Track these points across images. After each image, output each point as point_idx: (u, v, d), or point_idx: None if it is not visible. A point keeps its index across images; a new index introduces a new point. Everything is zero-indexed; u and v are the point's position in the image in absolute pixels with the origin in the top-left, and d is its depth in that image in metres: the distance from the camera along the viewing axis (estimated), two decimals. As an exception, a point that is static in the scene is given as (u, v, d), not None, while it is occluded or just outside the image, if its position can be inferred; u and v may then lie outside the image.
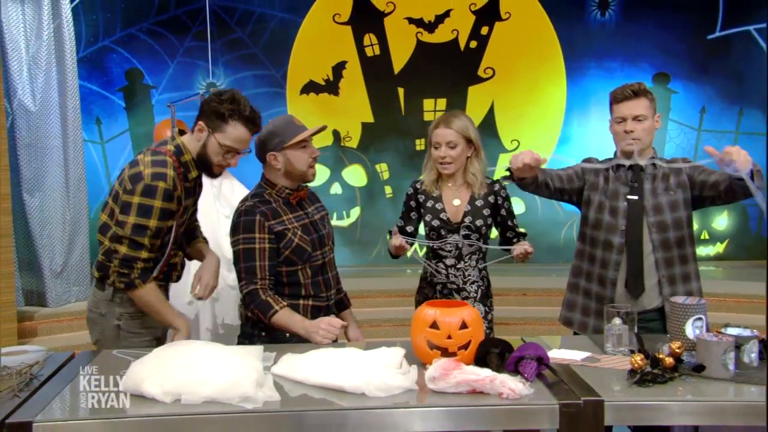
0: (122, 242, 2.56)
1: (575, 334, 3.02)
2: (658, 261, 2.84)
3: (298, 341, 2.66)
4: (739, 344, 2.17)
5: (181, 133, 2.77)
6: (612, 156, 3.02)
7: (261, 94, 6.64)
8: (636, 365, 2.11)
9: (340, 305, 3.10)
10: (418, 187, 3.21)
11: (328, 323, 2.65)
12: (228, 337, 3.82)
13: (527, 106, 6.84)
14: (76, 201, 5.33)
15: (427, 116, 6.75)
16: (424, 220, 3.17)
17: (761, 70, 6.76)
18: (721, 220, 6.83)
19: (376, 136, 6.79)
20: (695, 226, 6.62)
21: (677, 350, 2.19)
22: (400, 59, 6.78)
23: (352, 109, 6.78)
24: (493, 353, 2.17)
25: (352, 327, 3.08)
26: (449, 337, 2.18)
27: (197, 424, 1.89)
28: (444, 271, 3.13)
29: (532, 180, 2.80)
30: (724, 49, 6.78)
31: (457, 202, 3.14)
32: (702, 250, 6.87)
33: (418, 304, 3.21)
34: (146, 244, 2.56)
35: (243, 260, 2.71)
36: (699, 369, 2.13)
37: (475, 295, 3.14)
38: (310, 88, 6.77)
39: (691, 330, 2.35)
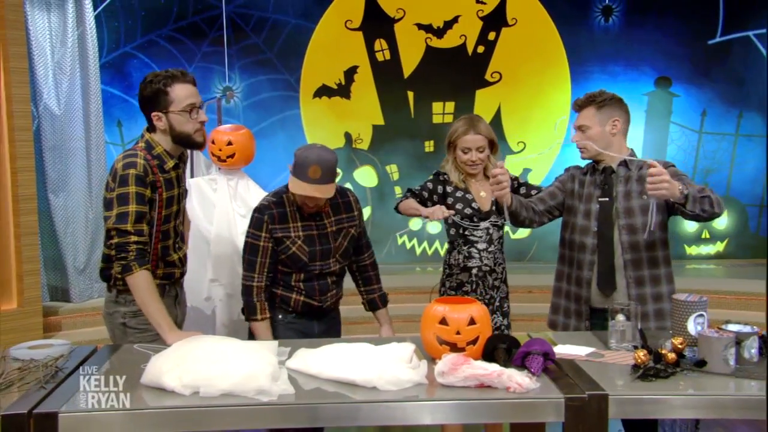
0: (112, 235, 2.58)
1: None
2: (626, 262, 2.81)
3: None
4: (739, 340, 2.16)
5: (149, 130, 2.75)
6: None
7: (275, 97, 6.65)
8: (639, 360, 2.10)
9: (373, 305, 3.14)
10: (446, 179, 3.28)
11: None
12: (243, 332, 3.82)
13: (533, 109, 6.82)
14: (99, 201, 5.34)
15: (436, 119, 6.75)
16: (454, 208, 3.22)
17: (760, 75, 6.73)
18: (721, 220, 6.78)
19: (387, 138, 6.79)
20: (696, 227, 6.68)
21: (679, 346, 2.18)
22: (409, 64, 6.77)
23: (364, 112, 6.78)
24: (500, 349, 2.17)
25: (385, 327, 3.12)
26: (458, 333, 2.18)
27: (215, 415, 1.90)
28: (477, 255, 3.24)
29: (518, 211, 2.84)
30: (724, 54, 6.75)
31: (483, 194, 3.27)
32: (702, 249, 6.84)
33: (449, 290, 3.29)
34: (131, 230, 2.55)
35: (248, 252, 2.85)
36: (700, 364, 2.12)
37: (501, 276, 3.32)
38: (323, 91, 6.77)
39: (692, 326, 2.34)
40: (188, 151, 3.17)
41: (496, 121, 6.75)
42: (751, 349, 2.18)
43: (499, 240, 3.31)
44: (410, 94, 6.80)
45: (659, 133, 6.86)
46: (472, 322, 2.19)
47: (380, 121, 6.81)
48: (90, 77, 5.34)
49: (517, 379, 1.96)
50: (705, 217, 2.63)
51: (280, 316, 2.92)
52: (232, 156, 4.02)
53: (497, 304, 3.29)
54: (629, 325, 2.37)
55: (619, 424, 3.09)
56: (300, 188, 2.76)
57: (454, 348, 2.17)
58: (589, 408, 1.91)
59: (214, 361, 2.02)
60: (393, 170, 6.86)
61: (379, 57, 6.76)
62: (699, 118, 6.84)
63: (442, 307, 2.23)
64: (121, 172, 2.58)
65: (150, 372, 2.04)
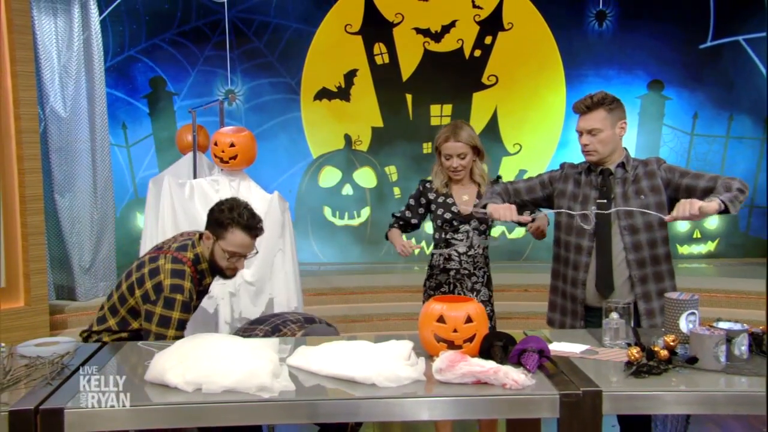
0: (142, 335, 2.68)
1: None
2: (630, 262, 2.75)
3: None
4: (730, 338, 2.16)
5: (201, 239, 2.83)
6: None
7: (276, 100, 6.66)
8: (632, 357, 2.10)
9: None
10: (428, 186, 3.29)
11: None
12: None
13: (529, 112, 6.82)
14: (104, 201, 5.35)
15: (434, 121, 6.75)
16: (435, 214, 3.23)
17: (750, 78, 6.74)
18: (713, 220, 6.78)
19: (386, 140, 6.79)
20: (687, 226, 6.68)
21: (671, 343, 2.18)
22: (408, 67, 6.77)
23: (363, 115, 6.78)
24: (496, 346, 2.17)
25: None
26: (455, 331, 2.18)
27: (217, 411, 1.89)
28: (457, 259, 3.19)
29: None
30: (715, 58, 6.75)
31: (465, 197, 3.23)
32: (694, 249, 6.84)
33: (429, 290, 3.29)
34: (172, 336, 2.64)
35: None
36: (692, 361, 2.12)
37: (482, 279, 3.25)
38: (323, 94, 6.77)
39: (684, 324, 2.33)
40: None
41: (493, 123, 6.76)
42: (741, 346, 2.18)
43: (481, 245, 3.24)
44: (409, 97, 6.80)
45: (652, 135, 6.86)
46: (469, 320, 2.19)
47: (379, 124, 6.81)
48: (95, 80, 5.34)
49: (513, 375, 1.95)
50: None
51: None
52: (234, 157, 4.02)
53: None
54: (623, 323, 2.37)
55: (614, 420, 3.09)
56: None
57: (452, 345, 2.17)
58: (584, 404, 1.91)
59: (216, 359, 2.02)
60: (392, 171, 6.86)
61: (378, 60, 6.76)
62: (691, 121, 6.84)
63: (439, 306, 2.22)
64: (167, 293, 2.63)
65: (153, 369, 2.03)
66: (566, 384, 1.98)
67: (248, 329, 2.87)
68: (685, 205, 2.44)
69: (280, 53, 6.68)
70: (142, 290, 2.65)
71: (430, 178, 3.32)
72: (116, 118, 6.29)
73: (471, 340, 2.19)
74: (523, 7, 6.73)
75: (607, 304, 2.42)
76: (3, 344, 2.26)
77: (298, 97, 6.72)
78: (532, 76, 6.77)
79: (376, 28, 6.70)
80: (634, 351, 2.11)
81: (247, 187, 4.12)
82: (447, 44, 6.75)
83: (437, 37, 6.74)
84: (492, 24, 6.73)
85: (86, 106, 5.28)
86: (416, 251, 3.19)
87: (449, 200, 3.23)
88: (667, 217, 2.56)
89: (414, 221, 3.33)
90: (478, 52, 6.77)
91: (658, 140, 6.81)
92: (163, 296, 2.62)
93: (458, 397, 1.94)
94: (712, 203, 2.45)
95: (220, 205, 2.76)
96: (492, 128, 6.74)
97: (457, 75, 6.75)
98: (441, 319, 2.19)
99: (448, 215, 3.20)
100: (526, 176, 6.67)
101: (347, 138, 6.81)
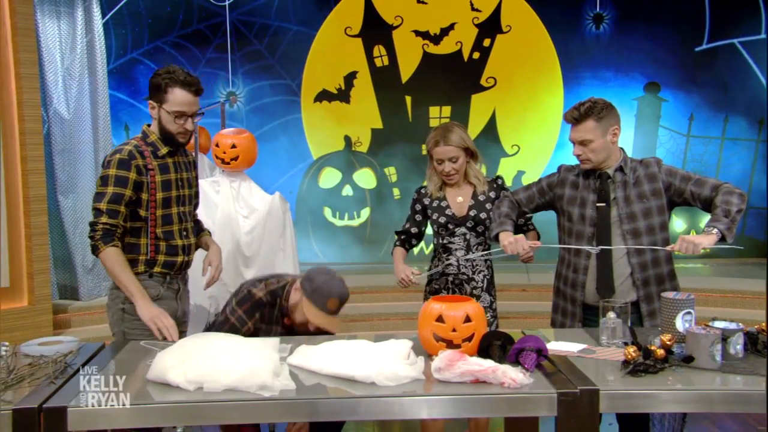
0: (92, 214, 2.66)
1: None
2: (633, 265, 2.75)
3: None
4: (725, 337, 2.16)
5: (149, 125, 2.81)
6: None
7: (277, 102, 6.66)
8: (629, 356, 2.09)
9: None
10: (423, 192, 3.20)
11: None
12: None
13: (527, 114, 6.83)
14: (107, 202, 5.35)
15: (433, 122, 6.75)
16: (431, 219, 3.15)
17: (745, 80, 6.74)
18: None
19: (385, 141, 6.79)
20: (684, 227, 6.68)
21: (668, 342, 2.18)
22: (407, 69, 6.78)
23: (363, 116, 6.78)
24: (495, 345, 2.17)
25: None
26: (454, 330, 2.18)
27: (218, 410, 1.89)
28: (456, 263, 3.09)
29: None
30: (710, 61, 6.76)
31: (460, 199, 3.12)
32: (690, 249, 6.82)
33: (428, 295, 3.18)
34: (103, 209, 2.60)
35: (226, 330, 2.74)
36: (688, 360, 2.12)
37: (482, 284, 3.11)
38: (323, 96, 6.78)
39: (680, 323, 2.33)
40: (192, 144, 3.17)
41: (491, 125, 6.76)
42: (737, 345, 2.18)
43: (479, 247, 3.12)
44: (408, 99, 6.81)
45: (648, 136, 6.87)
46: (467, 319, 2.19)
47: (379, 125, 6.81)
48: (98, 82, 5.34)
49: (511, 374, 1.95)
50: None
51: None
52: (235, 159, 4.02)
53: None
54: (620, 322, 2.37)
55: (611, 418, 3.09)
56: (316, 317, 2.68)
57: (451, 345, 2.17)
58: (581, 402, 1.91)
59: (217, 358, 2.02)
60: (391, 172, 6.86)
61: (378, 63, 6.76)
62: (687, 122, 6.85)
63: (438, 305, 2.22)
64: (108, 157, 2.67)
65: (155, 368, 2.03)
66: (564, 383, 1.98)
67: (247, 289, 2.82)
68: (688, 247, 2.50)
69: (281, 55, 6.68)
70: None
71: (425, 183, 3.22)
72: (119, 119, 6.29)
73: (470, 339, 2.19)
74: (521, 9, 6.74)
75: (604, 304, 2.42)
76: (7, 343, 2.26)
77: (298, 98, 6.73)
78: (530, 78, 6.78)
79: (375, 30, 6.71)
80: (631, 350, 2.10)
81: (247, 188, 4.12)
82: (446, 46, 6.76)
83: (436, 39, 6.75)
84: (490, 26, 6.74)
85: (89, 108, 5.28)
86: (416, 278, 3.05)
87: (443, 203, 3.13)
88: (668, 247, 2.64)
89: (414, 230, 3.21)
90: (476, 55, 6.77)
91: (654, 141, 6.82)
92: (105, 161, 2.67)
93: (457, 395, 1.94)
94: (711, 236, 2.53)
95: (154, 73, 2.71)
96: (490, 130, 6.74)
97: (455, 77, 6.76)
98: (440, 319, 2.19)
99: (442, 219, 3.11)
100: (524, 177, 6.75)
101: (347, 139, 6.81)
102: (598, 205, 2.78)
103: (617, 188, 2.78)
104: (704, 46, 6.74)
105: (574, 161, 2.92)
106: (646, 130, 6.86)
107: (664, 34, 6.72)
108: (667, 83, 6.81)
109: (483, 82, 6.79)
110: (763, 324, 2.31)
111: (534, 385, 1.97)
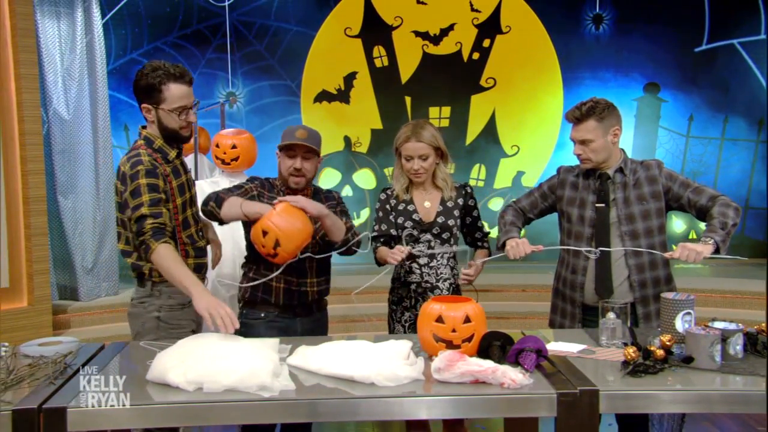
0: (132, 226, 2.53)
1: None
2: (630, 267, 2.75)
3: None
4: (725, 337, 2.16)
5: (145, 127, 2.72)
6: None
7: (277, 102, 6.66)
8: (629, 357, 2.09)
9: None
10: (390, 193, 3.06)
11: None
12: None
13: (526, 114, 6.83)
14: (106, 203, 5.35)
15: (433, 123, 6.74)
16: (396, 223, 3.00)
17: (745, 81, 6.74)
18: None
19: (385, 141, 6.78)
20: (683, 227, 6.69)
21: (667, 343, 2.18)
22: (407, 70, 6.78)
23: (362, 117, 6.79)
24: (495, 346, 2.17)
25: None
26: (454, 331, 2.18)
27: (218, 410, 1.89)
28: (418, 271, 2.97)
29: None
30: (710, 61, 6.77)
31: (427, 204, 3.00)
32: (690, 249, 6.83)
33: (392, 304, 3.07)
34: (146, 213, 2.48)
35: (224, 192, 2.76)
36: (688, 360, 2.12)
37: (447, 292, 2.97)
38: (323, 96, 6.78)
39: (680, 324, 2.34)
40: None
41: (491, 126, 6.76)
42: (736, 345, 2.18)
43: (444, 255, 2.97)
44: (408, 99, 6.81)
45: (648, 137, 6.87)
46: (467, 320, 2.19)
47: (378, 126, 6.82)
48: (98, 83, 5.34)
49: (511, 375, 1.95)
50: None
51: (262, 314, 2.81)
52: (236, 159, 4.03)
53: None
54: (619, 323, 2.37)
55: (611, 418, 3.09)
56: (287, 141, 2.72)
57: (450, 345, 2.17)
58: (581, 403, 1.91)
59: (217, 358, 2.02)
60: (391, 173, 6.85)
61: (378, 63, 6.77)
62: (686, 123, 6.85)
63: (438, 306, 2.22)
64: (129, 172, 2.53)
65: (155, 368, 2.03)
66: (563, 383, 1.98)
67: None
68: (690, 254, 2.52)
69: (281, 56, 6.68)
70: (118, 196, 2.60)
71: (390, 183, 3.10)
72: (118, 120, 6.29)
73: (469, 339, 2.19)
74: (521, 10, 6.74)
75: (603, 304, 2.42)
76: (6, 344, 2.26)
77: (298, 99, 6.73)
78: (529, 79, 6.78)
79: (375, 31, 6.71)
80: (631, 350, 2.10)
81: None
82: (445, 47, 6.76)
83: (436, 40, 6.75)
84: (490, 27, 6.74)
85: (89, 109, 5.28)
86: (409, 251, 2.87)
87: (410, 207, 2.98)
88: (666, 254, 2.65)
89: (393, 232, 3.01)
90: (476, 55, 6.78)
91: (654, 142, 6.82)
92: (128, 176, 2.52)
93: (457, 396, 1.94)
94: (708, 246, 2.58)
95: (139, 72, 2.60)
96: (490, 130, 6.75)
97: (455, 77, 6.77)
98: (440, 319, 2.19)
99: (409, 223, 2.96)
100: (524, 178, 6.76)
101: (347, 140, 6.81)
102: (597, 205, 2.78)
103: (617, 189, 2.78)
104: (704, 47, 6.75)
105: (574, 162, 2.92)
106: (646, 130, 6.86)
107: (664, 35, 6.73)
108: (667, 84, 6.82)
109: (483, 82, 6.79)
110: (763, 324, 2.31)
111: (534, 386, 1.96)
